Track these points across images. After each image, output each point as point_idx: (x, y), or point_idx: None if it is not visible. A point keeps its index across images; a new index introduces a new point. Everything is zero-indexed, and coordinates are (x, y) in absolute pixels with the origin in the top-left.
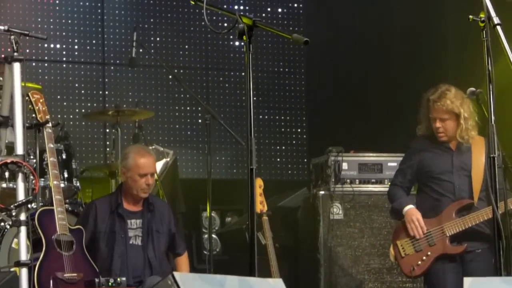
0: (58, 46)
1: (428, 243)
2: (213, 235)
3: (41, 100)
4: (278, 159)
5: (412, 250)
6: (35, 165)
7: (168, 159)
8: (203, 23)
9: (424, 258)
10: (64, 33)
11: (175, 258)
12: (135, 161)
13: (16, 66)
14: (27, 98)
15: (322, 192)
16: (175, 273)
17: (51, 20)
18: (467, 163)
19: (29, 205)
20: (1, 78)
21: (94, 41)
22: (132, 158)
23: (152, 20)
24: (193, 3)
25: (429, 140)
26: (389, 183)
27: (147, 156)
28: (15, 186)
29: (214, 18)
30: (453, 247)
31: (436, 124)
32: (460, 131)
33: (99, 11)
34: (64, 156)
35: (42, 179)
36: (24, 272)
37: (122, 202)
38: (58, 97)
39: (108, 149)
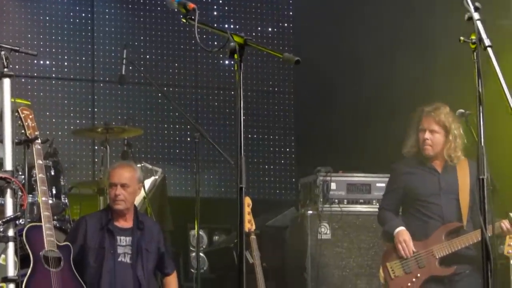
0: (48, 62)
1: (417, 265)
2: (201, 254)
3: (30, 116)
4: (267, 178)
5: (402, 271)
6: (23, 181)
7: (157, 177)
8: (193, 41)
9: (414, 280)
10: (54, 50)
11: (164, 278)
12: (108, 171)
13: (6, 82)
14: (16, 114)
15: (310, 212)
16: None
17: (41, 36)
18: (454, 185)
19: (17, 221)
20: None
21: (83, 58)
22: (107, 169)
23: (142, 37)
24: (184, 21)
25: (415, 161)
26: (378, 205)
27: (119, 166)
28: (3, 202)
29: (205, 36)
30: (442, 269)
31: (425, 135)
32: (447, 149)
33: (89, 28)
34: (52, 173)
35: (31, 195)
36: None
37: (113, 219)
38: (47, 113)
39: (96, 166)
